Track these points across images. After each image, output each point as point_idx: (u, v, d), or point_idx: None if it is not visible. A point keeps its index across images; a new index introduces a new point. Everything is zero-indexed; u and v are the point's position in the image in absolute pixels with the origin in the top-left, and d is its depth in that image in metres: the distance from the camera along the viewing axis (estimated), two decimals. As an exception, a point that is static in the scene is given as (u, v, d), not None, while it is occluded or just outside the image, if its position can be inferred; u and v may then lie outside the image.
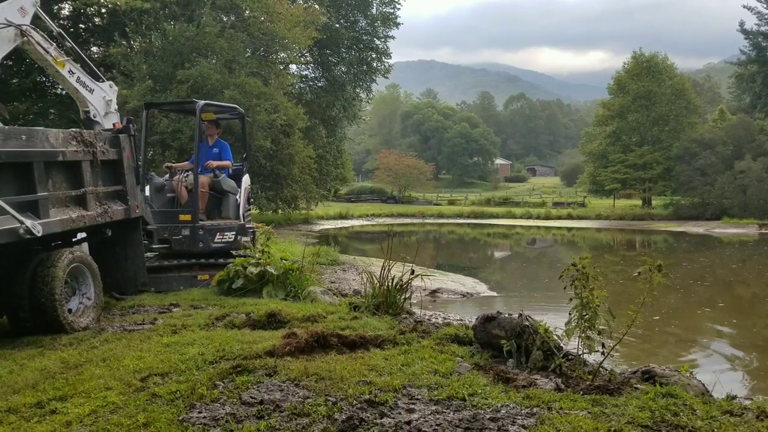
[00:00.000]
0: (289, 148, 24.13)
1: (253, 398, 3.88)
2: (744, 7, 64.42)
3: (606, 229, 48.15)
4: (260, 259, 8.39)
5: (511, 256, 30.31)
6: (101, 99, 8.80)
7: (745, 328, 11.34)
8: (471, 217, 59.40)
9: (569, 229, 49.20)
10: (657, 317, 11.89)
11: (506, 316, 4.95)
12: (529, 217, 57.36)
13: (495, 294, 14.65)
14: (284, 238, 23.03)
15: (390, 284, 7.68)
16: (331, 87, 40.86)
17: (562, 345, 4.69)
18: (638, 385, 4.09)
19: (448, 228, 50.56)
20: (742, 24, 65.55)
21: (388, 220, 55.72)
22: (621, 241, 39.69)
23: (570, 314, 4.44)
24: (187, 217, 9.53)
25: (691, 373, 4.72)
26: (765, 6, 62.94)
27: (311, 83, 42.63)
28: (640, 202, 58.32)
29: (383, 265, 7.88)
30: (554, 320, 10.60)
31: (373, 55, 42.99)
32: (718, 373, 7.43)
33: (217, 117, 10.89)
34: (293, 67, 42.57)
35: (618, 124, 57.68)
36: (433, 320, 10.72)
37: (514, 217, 58.49)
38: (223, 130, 11.67)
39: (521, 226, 52.31)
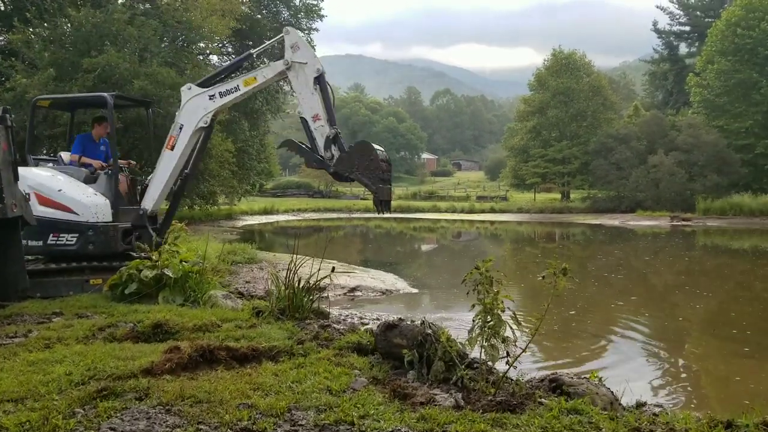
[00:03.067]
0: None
1: (112, 430, 3.38)
2: (657, 7, 67.01)
3: (527, 222, 49.03)
4: (157, 261, 7.77)
5: (434, 250, 30.28)
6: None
7: (657, 320, 11.47)
8: (397, 211, 59.34)
9: (492, 222, 49.83)
10: (573, 312, 11.92)
11: (408, 323, 4.61)
12: (454, 211, 57.87)
13: (415, 291, 14.40)
14: (201, 236, 22.17)
15: (296, 286, 7.24)
16: (253, 79, 39.83)
17: (467, 352, 4.38)
18: (543, 399, 3.81)
19: (375, 222, 50.31)
20: (655, 23, 68.25)
21: (315, 215, 55.11)
22: (541, 234, 40.42)
23: (473, 321, 4.12)
24: None
25: (600, 380, 4.50)
26: (677, 6, 65.57)
27: (232, 75, 41.46)
28: (559, 196, 59.76)
29: (288, 267, 7.44)
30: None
31: (296, 48, 42.16)
32: (629, 372, 7.36)
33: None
34: (214, 58, 41.30)
35: (538, 120, 58.92)
36: (349, 320, 10.37)
37: (439, 211, 58.89)
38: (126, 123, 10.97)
39: (446, 220, 52.66)
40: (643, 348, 9.04)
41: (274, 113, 42.30)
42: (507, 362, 4.06)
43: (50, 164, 9.44)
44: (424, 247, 31.96)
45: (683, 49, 69.99)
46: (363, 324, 10.24)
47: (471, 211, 56.91)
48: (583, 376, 4.46)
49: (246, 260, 16.98)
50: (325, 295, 13.40)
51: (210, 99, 8.01)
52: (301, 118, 7.60)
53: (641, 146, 50.78)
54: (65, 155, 9.58)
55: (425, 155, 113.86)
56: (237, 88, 7.97)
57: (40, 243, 8.51)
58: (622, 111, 64.49)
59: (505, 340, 3.99)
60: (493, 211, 56.72)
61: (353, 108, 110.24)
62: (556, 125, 58.27)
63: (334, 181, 74.74)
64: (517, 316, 4.10)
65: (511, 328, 4.05)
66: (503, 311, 4.09)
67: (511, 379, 4.13)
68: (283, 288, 7.23)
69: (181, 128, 8.21)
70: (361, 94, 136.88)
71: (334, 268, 15.94)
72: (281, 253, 21.53)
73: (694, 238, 34.52)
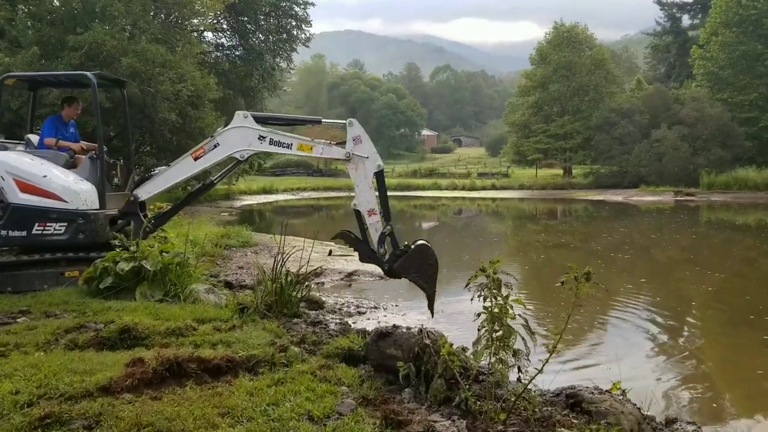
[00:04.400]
0: (197, 121, 22.48)
1: (46, 474, 2.82)
2: (660, -22, 65.68)
3: (529, 199, 48.44)
4: (135, 252, 7.18)
5: (435, 229, 29.70)
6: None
7: (667, 302, 10.93)
8: (397, 189, 58.71)
9: (493, 199, 49.25)
10: (576, 315, 11.32)
11: (404, 330, 4.04)
12: (455, 188, 57.25)
13: (414, 274, 13.80)
14: (196, 218, 21.58)
15: (284, 280, 6.67)
16: (249, 56, 38.95)
17: (472, 364, 3.81)
18: (563, 424, 3.23)
19: (374, 201, 49.66)
20: (658, -5, 66.92)
21: (314, 194, 54.48)
22: (543, 211, 39.85)
23: (478, 330, 3.54)
24: None
25: (623, 393, 3.93)
26: (680, -23, 64.28)
27: (228, 52, 40.60)
28: (561, 172, 59.06)
29: (275, 258, 6.86)
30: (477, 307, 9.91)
31: (293, 23, 41.19)
32: (643, 363, 6.82)
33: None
34: (209, 34, 40.39)
35: (540, 95, 58.08)
36: (345, 309, 9.82)
37: (439, 188, 58.26)
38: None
39: (447, 197, 52.05)
40: (654, 334, 8.49)
41: (271, 91, 41.49)
42: (518, 378, 3.49)
43: (19, 148, 8.80)
44: (425, 226, 31.38)
45: (686, 21, 68.89)
46: (360, 312, 9.71)
47: (472, 188, 56.29)
48: (605, 391, 3.89)
49: (240, 244, 16.40)
50: (321, 281, 13.01)
51: (259, 139, 7.43)
52: (355, 210, 7.09)
53: (644, 120, 49.99)
54: (34, 138, 8.94)
55: (425, 132, 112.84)
56: (289, 147, 7.45)
57: (24, 233, 7.90)
58: (624, 85, 63.52)
59: (516, 353, 3.42)
60: (494, 187, 56.11)
61: (353, 85, 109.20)
62: (557, 100, 57.45)
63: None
64: (530, 322, 3.51)
65: (522, 338, 3.47)
66: (513, 318, 3.51)
67: (524, 397, 3.56)
68: (269, 282, 6.65)
69: (215, 147, 7.59)
70: (361, 71, 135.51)
71: (331, 251, 15.39)
72: (278, 235, 20.94)
73: (699, 213, 33.95)
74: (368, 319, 9.02)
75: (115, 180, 8.90)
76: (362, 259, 7.25)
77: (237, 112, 7.69)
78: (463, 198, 51.31)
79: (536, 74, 59.04)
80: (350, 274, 13.47)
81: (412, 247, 6.94)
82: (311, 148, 7.36)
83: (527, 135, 58.40)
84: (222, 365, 4.17)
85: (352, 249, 7.43)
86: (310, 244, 17.51)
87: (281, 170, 70.43)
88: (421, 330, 3.96)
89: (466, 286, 3.51)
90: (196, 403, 3.61)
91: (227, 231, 17.54)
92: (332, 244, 18.35)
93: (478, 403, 3.48)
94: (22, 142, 9.20)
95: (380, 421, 3.32)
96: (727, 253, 18.87)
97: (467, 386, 3.56)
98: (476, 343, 3.45)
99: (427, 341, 3.82)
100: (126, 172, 9.33)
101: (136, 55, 19.61)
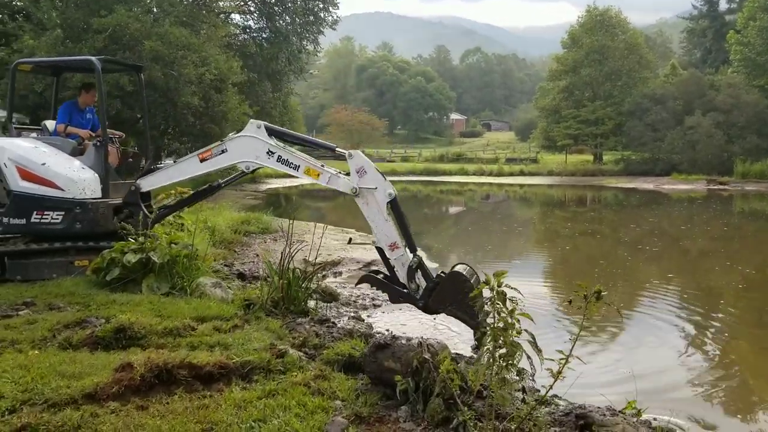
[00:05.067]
0: (221, 105, 22.37)
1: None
2: (698, -40, 63.95)
3: (558, 186, 47.77)
4: (144, 243, 7.04)
5: (459, 217, 29.37)
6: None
7: (694, 298, 10.52)
8: (424, 174, 58.35)
9: (521, 185, 48.65)
10: (604, 309, 10.98)
11: (403, 342, 3.80)
12: (482, 174, 56.68)
13: (435, 265, 13.55)
14: (219, 202, 21.54)
15: (291, 276, 6.47)
16: (276, 39, 38.77)
17: (474, 381, 3.55)
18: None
19: (401, 185, 49.42)
20: (695, -22, 65.18)
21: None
22: (572, 198, 39.27)
23: (481, 346, 3.29)
24: None
25: (638, 413, 3.65)
26: (718, -41, 62.47)
27: (255, 34, 40.48)
28: (591, 158, 58.13)
29: (283, 252, 6.66)
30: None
31: (320, 5, 40.88)
32: (665, 365, 6.50)
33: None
34: (236, 16, 40.30)
35: (571, 79, 57.08)
36: (360, 302, 9.59)
37: (466, 174, 57.73)
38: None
39: (474, 183, 51.56)
40: (679, 335, 8.15)
41: (297, 74, 41.31)
42: (523, 400, 3.24)
43: (34, 134, 8.72)
44: (449, 214, 31.08)
45: (723, 5, 66.90)
46: (375, 305, 9.48)
47: (500, 174, 55.67)
48: (618, 412, 3.63)
49: (260, 230, 16.27)
50: (339, 270, 12.82)
51: (267, 154, 7.03)
52: (376, 247, 6.60)
53: (678, 107, 48.81)
54: (50, 124, 8.85)
55: (454, 116, 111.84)
56: (297, 168, 6.96)
57: (23, 221, 7.83)
58: (658, 70, 62.07)
59: (520, 373, 3.17)
60: (522, 174, 55.41)
61: (381, 67, 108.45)
62: (589, 85, 56.36)
63: (360, 143, 73.83)
64: (536, 342, 3.25)
65: (528, 357, 3.21)
66: (519, 334, 3.25)
67: (529, 418, 3.30)
68: (276, 278, 6.45)
69: (222, 152, 7.29)
70: (390, 53, 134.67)
71: (351, 239, 15.18)
72: (300, 220, 20.83)
73: (732, 203, 33.11)
74: (383, 312, 8.82)
75: (143, 164, 8.74)
76: (393, 300, 6.64)
77: (251, 120, 7.35)
78: (491, 184, 50.77)
79: (568, 58, 57.97)
80: (368, 264, 13.24)
81: (443, 275, 6.35)
82: (318, 175, 6.87)
83: (557, 120, 57.48)
84: (214, 372, 3.99)
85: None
86: (330, 232, 17.48)
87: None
88: (420, 343, 3.72)
89: (472, 299, 3.25)
90: (181, 416, 3.42)
91: (247, 217, 17.41)
92: (353, 230, 18.20)
93: (479, 425, 3.24)
94: (39, 128, 9.14)
95: (371, 444, 3.11)
96: (760, 245, 18.29)
97: (468, 404, 3.32)
98: (477, 361, 3.20)
99: (427, 355, 3.58)
100: (143, 158, 9.22)
101: (159, 38, 19.52)
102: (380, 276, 6.63)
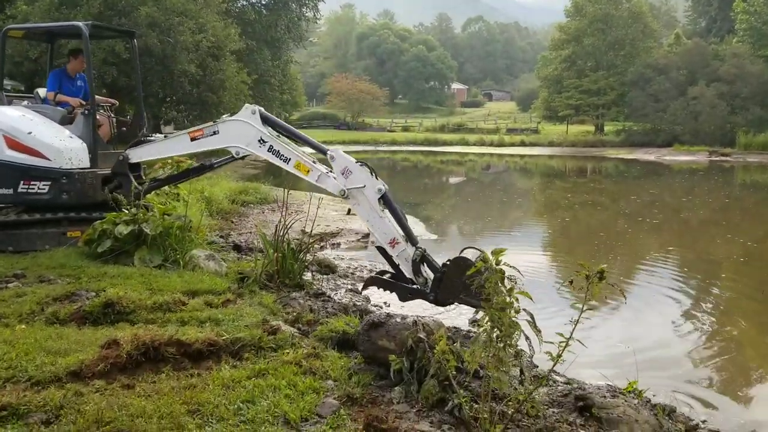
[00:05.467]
0: (218, 73, 22.04)
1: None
2: (704, -74, 62.76)
3: (558, 156, 47.53)
4: (136, 215, 6.90)
5: (459, 187, 29.21)
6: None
7: (697, 281, 10.40)
8: (425, 144, 58.03)
9: (522, 156, 48.41)
10: (598, 253, 10.92)
11: (398, 321, 3.68)
12: (483, 144, 56.38)
13: (434, 237, 13.45)
14: (217, 173, 21.33)
15: (286, 249, 6.34)
16: (275, 5, 38.24)
17: (470, 361, 3.43)
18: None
19: (401, 155, 49.18)
20: (701, -56, 64.04)
21: (340, 148, 53.82)
22: (572, 169, 39.11)
23: (478, 326, 3.16)
24: None
25: (639, 393, 3.55)
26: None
27: (254, 1, 39.88)
28: (592, 129, 57.75)
29: (277, 226, 6.52)
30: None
31: (320, -29, 40.31)
32: (666, 340, 6.41)
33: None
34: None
35: (574, 49, 56.46)
36: (357, 273, 9.49)
37: (467, 144, 57.42)
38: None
39: (474, 153, 51.30)
40: (679, 309, 8.07)
41: (297, 42, 40.82)
42: (521, 381, 3.13)
43: (25, 102, 8.52)
44: (449, 184, 30.90)
45: (730, -28, 65.83)
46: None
47: (500, 145, 55.39)
48: (619, 393, 3.53)
49: (258, 201, 16.12)
50: (337, 242, 12.71)
51: (259, 142, 6.75)
52: (377, 247, 6.32)
53: (681, 77, 48.34)
54: (42, 92, 8.64)
55: (455, 85, 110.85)
56: (286, 161, 6.67)
57: (11, 191, 7.68)
58: (662, 39, 61.37)
59: (518, 354, 3.05)
60: (523, 144, 55.13)
61: (382, 36, 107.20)
62: (592, 54, 55.75)
63: (361, 113, 73.13)
64: (535, 323, 3.13)
65: (526, 337, 3.09)
66: (518, 312, 3.12)
67: (527, 400, 3.19)
68: (271, 251, 6.32)
69: (214, 133, 7.03)
70: (391, 21, 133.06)
71: (350, 210, 15.04)
72: (299, 190, 20.64)
73: (733, 174, 32.96)
74: (381, 285, 8.68)
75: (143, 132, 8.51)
76: (403, 299, 6.29)
77: (246, 105, 7.06)
78: (491, 154, 50.51)
79: (571, 27, 57.27)
80: (367, 235, 13.14)
81: (448, 263, 5.99)
82: (308, 172, 6.56)
83: (559, 90, 57.00)
84: (203, 350, 3.88)
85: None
86: (329, 202, 17.34)
87: (307, 123, 69.94)
88: (415, 321, 3.60)
89: (470, 279, 3.12)
90: (167, 396, 3.31)
91: (245, 187, 17.25)
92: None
93: (474, 407, 3.14)
94: (31, 95, 8.94)
95: (362, 427, 3.00)
96: (761, 217, 18.19)
97: (464, 386, 3.21)
98: (474, 342, 3.09)
99: (422, 335, 3.46)
100: (136, 127, 8.99)
101: (155, 3, 19.15)
102: (386, 276, 6.42)
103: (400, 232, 6.27)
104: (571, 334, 2.89)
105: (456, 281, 5.60)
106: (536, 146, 54.01)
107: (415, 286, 6.12)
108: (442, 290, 5.90)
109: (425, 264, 6.14)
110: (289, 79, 42.95)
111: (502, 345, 3.00)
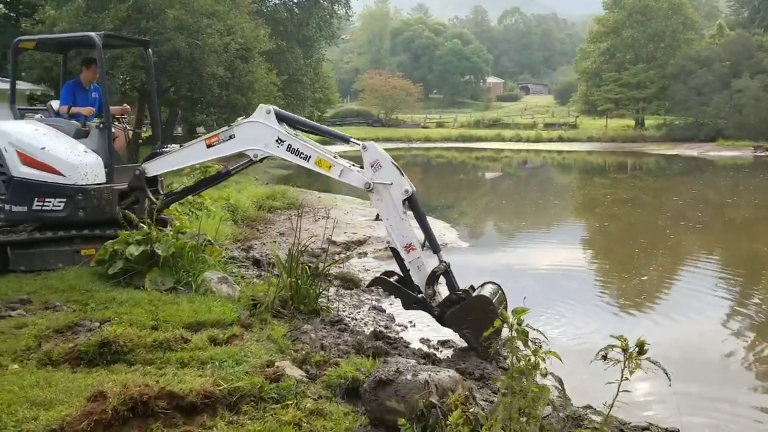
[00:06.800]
0: (247, 75, 21.85)
1: None
2: None
3: (597, 152, 46.54)
4: (149, 233, 6.61)
5: (493, 187, 28.60)
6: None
7: (742, 286, 9.78)
8: (459, 140, 57.32)
9: (559, 152, 47.49)
10: (644, 277, 10.36)
11: (408, 378, 3.28)
12: (519, 140, 55.48)
13: (465, 245, 13.00)
14: (245, 176, 21.17)
15: (300, 274, 5.98)
16: (306, 3, 37.99)
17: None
18: None
19: (435, 152, 48.67)
20: (745, -68, 61.97)
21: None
22: (612, 164, 38.18)
23: (498, 392, 2.75)
24: None
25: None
26: None
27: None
28: (632, 123, 56.41)
29: (290, 250, 6.14)
30: (531, 288, 9.12)
31: (352, -32, 39.96)
32: (716, 389, 5.89)
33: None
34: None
35: (612, 41, 55.23)
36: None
37: (503, 140, 56.56)
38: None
39: (510, 149, 50.52)
40: (726, 322, 7.59)
41: (329, 40, 40.52)
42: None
43: (38, 115, 8.32)
44: (484, 181, 30.32)
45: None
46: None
47: (537, 140, 54.41)
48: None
49: (285, 206, 15.87)
50: (364, 251, 12.33)
51: (276, 142, 6.49)
52: (390, 248, 6.13)
53: (724, 69, 46.83)
54: (56, 104, 8.44)
55: (491, 79, 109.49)
56: (307, 159, 6.43)
57: (25, 209, 7.48)
58: (703, 31, 59.54)
59: (545, 429, 2.63)
60: (561, 139, 54.11)
61: (416, 30, 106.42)
62: (631, 47, 54.39)
63: (394, 109, 72.77)
64: (562, 385, 2.70)
65: (554, 407, 2.66)
66: (545, 375, 2.70)
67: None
68: (285, 275, 5.97)
69: (230, 138, 6.77)
70: (425, 16, 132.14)
71: (378, 215, 14.68)
72: (327, 193, 20.36)
73: (780, 171, 31.73)
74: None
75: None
76: (406, 307, 6.19)
77: (260, 105, 6.80)
78: (527, 150, 49.68)
79: (609, 19, 56.02)
80: (396, 243, 12.76)
81: (473, 295, 5.82)
82: (330, 167, 6.32)
83: (598, 84, 55.76)
84: (197, 403, 3.54)
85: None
86: (357, 206, 16.99)
87: (341, 120, 69.76)
88: (427, 382, 3.19)
89: (486, 341, 2.71)
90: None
91: (272, 191, 17.02)
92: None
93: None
94: (44, 108, 8.75)
95: None
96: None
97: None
98: (492, 412, 2.67)
99: (434, 399, 3.07)
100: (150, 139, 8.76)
101: (182, 6, 18.99)
102: (394, 278, 6.13)
103: (419, 238, 6.05)
104: (614, 400, 2.46)
105: (470, 316, 5.47)
106: (574, 141, 52.95)
107: (420, 295, 5.94)
108: (450, 315, 5.72)
109: (445, 280, 5.94)
110: (321, 77, 42.70)
111: (525, 420, 2.59)
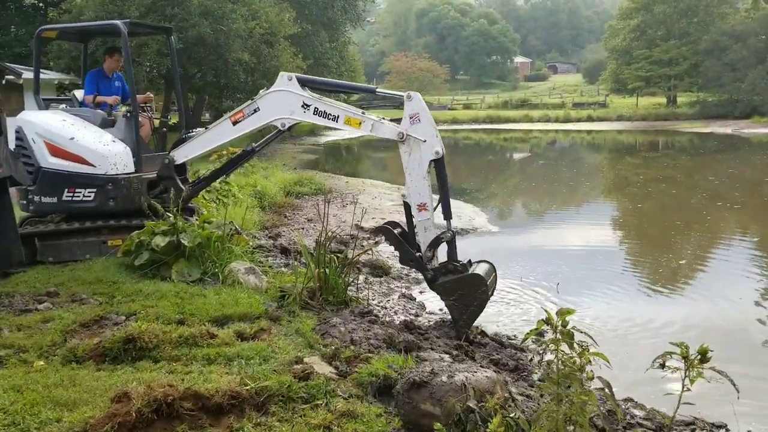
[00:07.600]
0: (273, 60, 21.69)
1: None
2: None
3: (628, 131, 45.72)
4: (175, 223, 6.50)
5: (522, 167, 28.20)
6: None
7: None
8: (487, 122, 56.72)
9: (589, 131, 46.74)
10: (682, 261, 10.04)
11: (444, 380, 3.10)
12: (547, 120, 54.72)
13: (495, 229, 12.75)
14: (274, 160, 21.13)
15: (328, 264, 5.84)
16: (331, -16, 37.70)
17: None
18: None
19: (463, 134, 48.20)
20: None
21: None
22: (643, 143, 37.42)
23: (540, 398, 2.56)
24: None
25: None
26: None
27: (310, -18, 39.43)
28: (664, 101, 55.25)
29: (318, 240, 5.99)
30: (563, 271, 8.88)
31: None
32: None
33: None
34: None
35: (643, 17, 54.01)
36: (412, 274, 8.91)
37: (531, 120, 55.84)
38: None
39: (538, 130, 49.88)
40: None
41: (354, 22, 40.19)
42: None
43: (63, 105, 8.26)
44: (512, 165, 29.89)
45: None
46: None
47: (566, 120, 53.60)
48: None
49: (313, 191, 15.73)
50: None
51: (302, 107, 6.38)
52: (404, 201, 6.08)
53: (760, 44, 45.55)
54: (79, 94, 8.37)
55: (518, 59, 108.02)
56: (336, 119, 6.32)
57: (55, 200, 7.44)
58: (738, 4, 57.91)
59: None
60: (590, 119, 53.25)
61: (442, 11, 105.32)
62: (663, 23, 53.13)
63: (421, 91, 72.80)
64: (611, 390, 2.51)
65: (602, 414, 2.47)
66: (591, 379, 2.51)
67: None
68: (312, 266, 5.83)
69: (255, 111, 6.65)
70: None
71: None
72: (355, 178, 20.22)
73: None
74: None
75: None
76: (403, 262, 6.31)
77: (281, 73, 6.68)
78: (556, 130, 48.97)
79: (640, -6, 54.75)
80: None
81: (468, 266, 5.89)
82: (360, 124, 6.20)
83: (628, 62, 54.68)
84: (223, 404, 3.41)
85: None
86: (386, 191, 16.81)
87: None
88: (464, 385, 3.01)
89: (523, 341, 2.52)
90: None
91: (300, 177, 16.90)
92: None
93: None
94: (68, 98, 8.70)
95: None
96: None
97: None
98: (536, 421, 2.49)
99: (472, 403, 2.89)
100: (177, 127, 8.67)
101: (207, -8, 18.88)
102: (398, 231, 6.18)
103: (433, 199, 6.00)
104: (676, 411, 2.25)
105: (460, 289, 5.62)
106: (604, 121, 52.07)
107: (418, 254, 6.01)
108: (442, 283, 5.82)
109: (447, 248, 5.96)
110: (347, 60, 42.40)
111: (572, 429, 2.40)
